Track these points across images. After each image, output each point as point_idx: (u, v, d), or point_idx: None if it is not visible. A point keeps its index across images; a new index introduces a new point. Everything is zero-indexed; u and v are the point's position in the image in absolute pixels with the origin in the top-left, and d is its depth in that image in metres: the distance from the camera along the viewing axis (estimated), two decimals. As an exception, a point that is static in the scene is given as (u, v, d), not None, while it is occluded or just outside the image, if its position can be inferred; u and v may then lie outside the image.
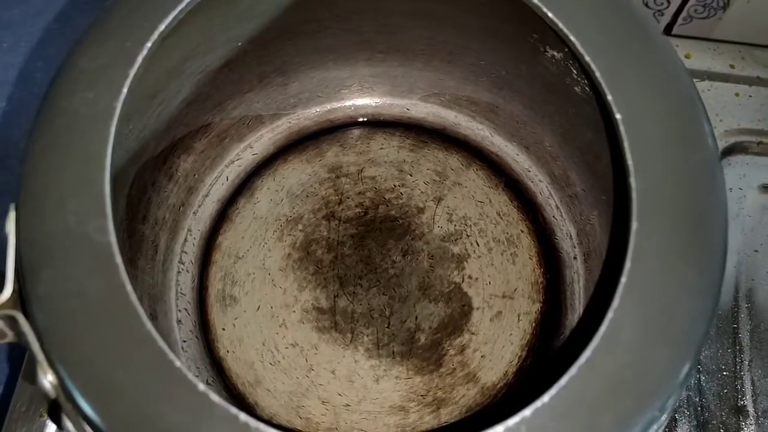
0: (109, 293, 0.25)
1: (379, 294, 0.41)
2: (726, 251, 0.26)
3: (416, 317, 0.40)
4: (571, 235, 0.42)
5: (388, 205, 0.43)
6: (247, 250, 0.42)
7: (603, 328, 0.25)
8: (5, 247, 0.51)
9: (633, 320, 0.25)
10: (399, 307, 0.41)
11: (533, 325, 0.40)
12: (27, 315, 0.27)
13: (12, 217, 0.27)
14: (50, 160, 0.27)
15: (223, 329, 0.40)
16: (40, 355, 0.25)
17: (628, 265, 0.26)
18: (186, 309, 0.41)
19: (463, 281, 0.41)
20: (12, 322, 0.27)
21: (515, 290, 0.41)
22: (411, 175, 0.44)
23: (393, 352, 0.40)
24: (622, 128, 0.27)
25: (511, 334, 0.40)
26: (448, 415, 0.39)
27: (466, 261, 0.42)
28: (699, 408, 0.43)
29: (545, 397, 0.24)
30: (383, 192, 0.43)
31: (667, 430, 0.42)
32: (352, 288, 0.41)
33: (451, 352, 0.40)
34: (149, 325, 0.25)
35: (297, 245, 0.42)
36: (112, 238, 0.26)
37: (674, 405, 0.29)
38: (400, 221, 0.43)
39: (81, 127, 0.27)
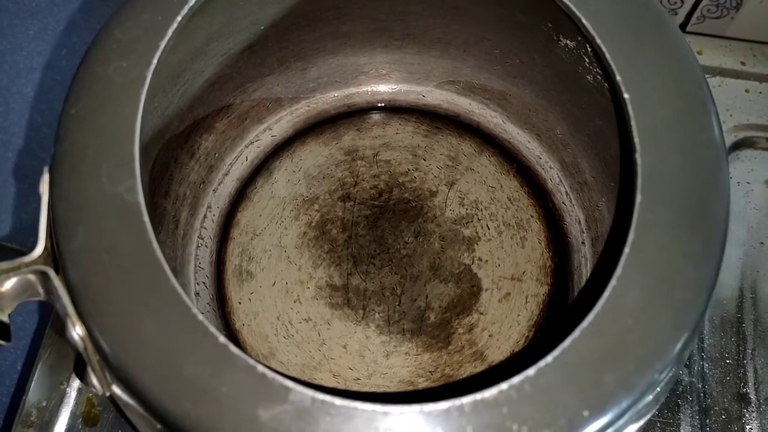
0: (137, 249, 0.26)
1: (391, 273, 0.42)
2: (727, 225, 0.27)
3: (427, 296, 0.42)
4: (579, 221, 0.43)
5: (401, 188, 0.44)
6: (265, 227, 0.43)
7: (606, 295, 0.26)
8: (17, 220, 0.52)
9: (636, 288, 0.26)
10: (410, 286, 0.42)
11: (540, 306, 0.42)
12: (57, 271, 0.28)
13: (45, 179, 0.29)
14: (85, 123, 0.28)
15: (239, 303, 0.42)
16: (70, 309, 0.27)
17: (631, 236, 0.27)
18: (204, 282, 0.42)
19: (473, 263, 0.42)
20: (44, 277, 0.28)
21: (524, 273, 0.42)
22: (425, 160, 0.45)
23: (403, 329, 0.41)
24: (630, 107, 0.28)
25: (518, 315, 0.41)
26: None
27: (477, 243, 0.43)
28: (702, 394, 0.43)
29: (548, 358, 0.25)
30: (397, 175, 0.45)
31: (669, 414, 0.43)
32: (365, 267, 0.42)
33: (460, 330, 0.41)
34: (174, 281, 0.26)
35: (313, 224, 0.43)
36: (141, 198, 0.27)
37: (673, 377, 0.30)
38: (413, 204, 0.44)
39: (114, 94, 0.29)
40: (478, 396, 0.24)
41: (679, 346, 0.26)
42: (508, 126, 0.46)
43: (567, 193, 0.44)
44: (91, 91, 0.29)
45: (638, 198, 0.27)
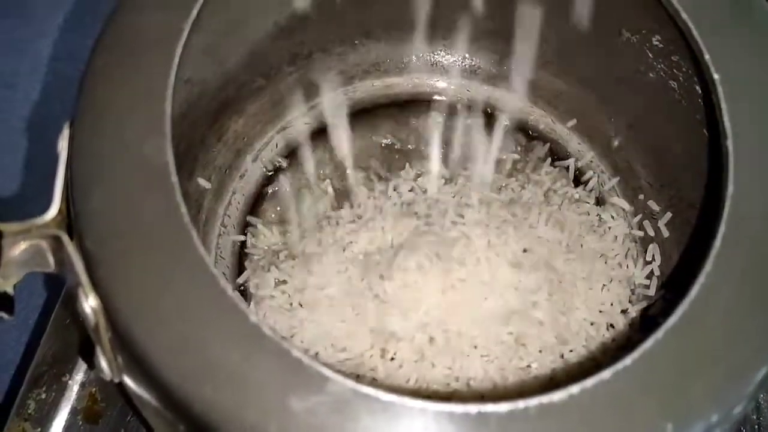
0: (162, 214, 0.23)
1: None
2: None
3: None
4: (632, 226, 0.40)
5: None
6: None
7: (694, 293, 0.23)
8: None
9: (728, 284, 0.23)
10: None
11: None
12: (71, 237, 0.25)
13: (65, 134, 0.26)
14: (112, 75, 0.26)
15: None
16: (83, 277, 0.24)
17: (722, 229, 0.24)
18: (224, 273, 0.39)
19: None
20: (56, 243, 0.25)
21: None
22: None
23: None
24: (719, 89, 0.26)
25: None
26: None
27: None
28: (756, 426, 0.40)
29: (627, 360, 0.22)
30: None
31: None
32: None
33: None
34: (202, 250, 0.23)
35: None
36: (170, 158, 0.24)
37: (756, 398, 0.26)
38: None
39: (146, 46, 0.26)
40: (545, 399, 0.21)
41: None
42: (558, 126, 0.43)
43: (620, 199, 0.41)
44: (119, 41, 0.26)
45: (730, 189, 0.24)
